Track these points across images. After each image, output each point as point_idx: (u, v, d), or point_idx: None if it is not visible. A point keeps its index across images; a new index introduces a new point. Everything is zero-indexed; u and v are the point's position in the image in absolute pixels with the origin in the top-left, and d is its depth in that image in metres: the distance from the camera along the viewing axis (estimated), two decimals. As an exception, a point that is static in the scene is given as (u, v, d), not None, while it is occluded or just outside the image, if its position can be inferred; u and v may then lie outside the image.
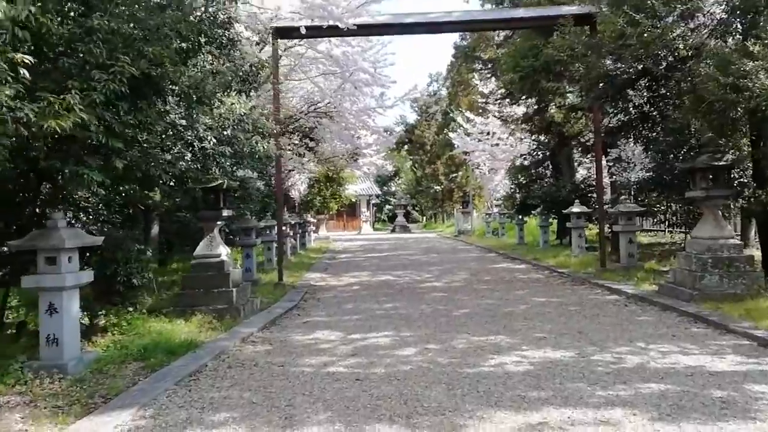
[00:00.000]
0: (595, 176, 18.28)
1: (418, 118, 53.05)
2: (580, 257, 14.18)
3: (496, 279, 11.92)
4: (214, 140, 6.32)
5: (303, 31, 11.13)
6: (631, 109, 10.18)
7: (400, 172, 61.13)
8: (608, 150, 14.53)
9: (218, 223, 8.61)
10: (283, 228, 17.74)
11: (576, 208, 14.95)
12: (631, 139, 11.02)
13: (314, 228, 27.82)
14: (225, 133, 6.69)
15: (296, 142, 19.12)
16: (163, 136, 5.65)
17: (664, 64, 8.74)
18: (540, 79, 15.60)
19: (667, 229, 18.09)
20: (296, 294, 10.49)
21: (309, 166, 24.18)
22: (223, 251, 8.55)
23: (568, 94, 17.32)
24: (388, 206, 56.79)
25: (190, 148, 6.11)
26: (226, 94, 6.40)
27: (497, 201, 36.79)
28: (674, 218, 13.32)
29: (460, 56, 26.55)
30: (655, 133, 10.18)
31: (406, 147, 54.54)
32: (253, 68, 6.57)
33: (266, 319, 8.03)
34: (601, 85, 9.83)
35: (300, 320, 8.20)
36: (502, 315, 7.85)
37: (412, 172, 55.47)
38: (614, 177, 13.62)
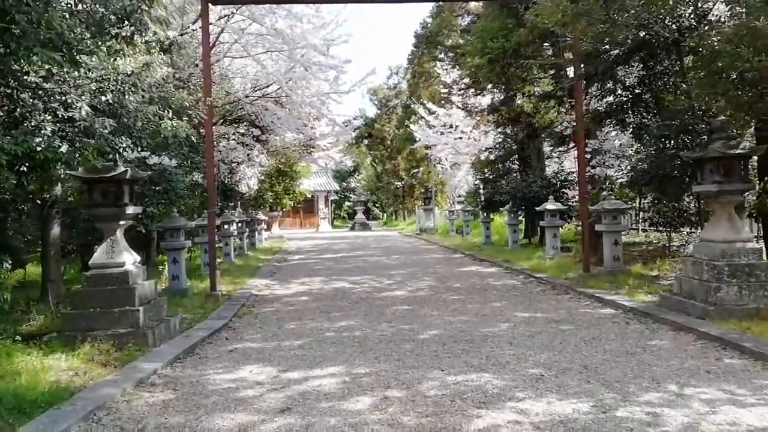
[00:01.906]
0: (569, 169, 17.22)
1: (378, 111, 51.31)
2: (555, 260, 12.83)
3: (466, 286, 10.39)
4: (88, 109, 4.50)
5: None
6: (619, 90, 8.78)
7: (360, 168, 59.38)
8: (587, 141, 13.22)
9: (121, 223, 6.75)
10: (228, 226, 15.88)
11: (550, 205, 13.61)
12: (617, 127, 9.63)
13: (266, 226, 25.83)
14: (104, 98, 4.87)
15: (242, 131, 17.24)
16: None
17: (667, 33, 7.31)
18: (510, 64, 14.22)
19: (640, 228, 17.02)
20: (230, 308, 8.70)
21: (260, 159, 22.28)
22: (129, 259, 6.71)
23: (539, 81, 15.99)
24: (347, 203, 54.93)
25: (51, 118, 4.27)
26: (99, 41, 4.57)
27: (459, 197, 35.56)
28: (657, 216, 12.02)
29: (421, 44, 25.03)
30: (647, 118, 8.80)
31: (365, 142, 52.78)
32: (139, 3, 4.76)
33: (181, 347, 6.25)
34: (588, 62, 8.42)
35: (226, 347, 6.44)
36: (481, 339, 6.28)
37: (372, 167, 53.80)
38: (594, 170, 12.30)
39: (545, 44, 13.23)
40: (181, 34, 10.76)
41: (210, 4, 9.72)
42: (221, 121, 17.43)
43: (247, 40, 13.56)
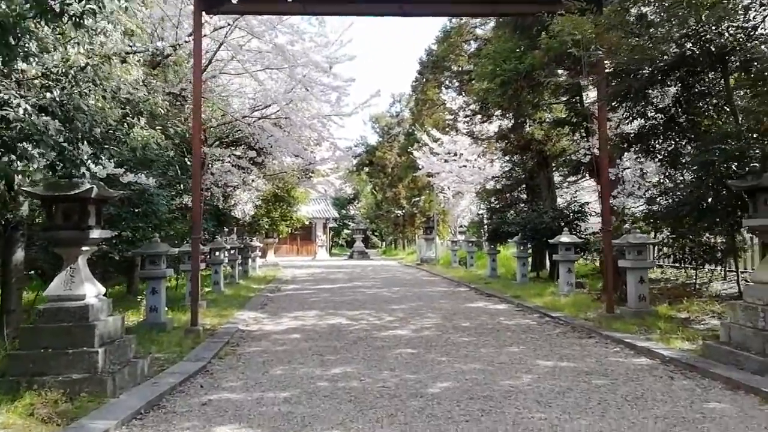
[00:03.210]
0: (583, 200, 16.34)
1: (380, 139, 50.83)
2: (571, 296, 11.84)
3: (476, 326, 9.38)
4: (27, 107, 3.61)
5: (234, 0, 8.53)
6: (650, 113, 7.92)
7: (359, 196, 58.67)
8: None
9: (84, 248, 5.80)
10: (218, 253, 14.91)
11: (565, 238, 12.67)
12: (643, 154, 8.75)
13: (260, 253, 24.82)
14: (49, 95, 3.97)
15: (238, 153, 16.41)
16: None
17: (713, 48, 6.49)
18: (523, 87, 13.46)
19: (655, 263, 16.04)
20: (212, 346, 7.68)
21: (256, 183, 21.43)
22: (90, 291, 5.75)
23: (553, 107, 15.22)
24: (346, 230, 54.00)
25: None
26: (44, 22, 3.71)
27: (461, 228, 34.69)
28: (680, 252, 11.12)
29: (426, 70, 24.43)
30: (681, 144, 7.93)
31: (366, 169, 52.14)
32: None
33: (145, 398, 5.23)
34: (616, 81, 7.59)
35: (199, 398, 5.43)
36: (502, 395, 5.27)
37: (372, 195, 52.98)
38: (613, 201, 11.39)
39: (561, 68, 12.44)
40: (174, 47, 10.00)
41: (204, 13, 8.95)
42: (216, 142, 16.66)
43: (246, 57, 12.80)
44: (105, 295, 6.11)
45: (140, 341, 7.76)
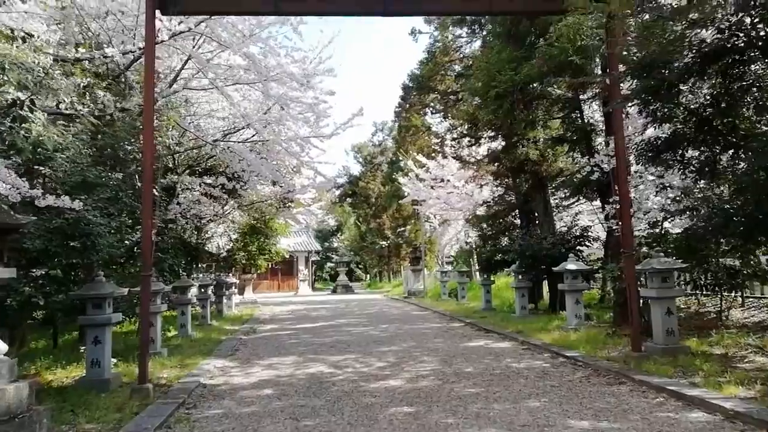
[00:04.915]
0: (584, 223, 15.17)
1: (363, 169, 49.89)
2: (582, 331, 10.54)
3: (481, 371, 7.97)
4: None
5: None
6: (680, 114, 6.80)
7: (343, 227, 57.35)
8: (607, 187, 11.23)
9: (-27, 294, 4.36)
10: (184, 293, 13.38)
11: (572, 265, 11.42)
12: (669, 163, 7.57)
13: (236, 290, 23.19)
14: None
15: (209, 181, 15.05)
16: None
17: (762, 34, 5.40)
18: (520, 101, 12.40)
19: (684, 291, 14.76)
20: (160, 411, 6.16)
21: (232, 215, 20.01)
22: (-19, 350, 4.29)
23: (548, 124, 14.16)
24: (329, 264, 52.36)
25: None
26: None
27: (448, 258, 33.45)
28: (705, 278, 9.96)
29: (411, 94, 23.44)
30: (716, 150, 6.80)
31: (349, 200, 51.05)
32: None
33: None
34: (644, 74, 6.45)
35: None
36: (539, 481, 3.88)
37: (356, 227, 51.65)
38: (613, 225, 10.24)
39: (560, 79, 11.40)
40: (124, 53, 8.73)
41: (159, 12, 7.70)
42: (187, 170, 15.30)
43: (215, 74, 11.53)
44: (18, 353, 4.67)
45: (71, 407, 6.26)
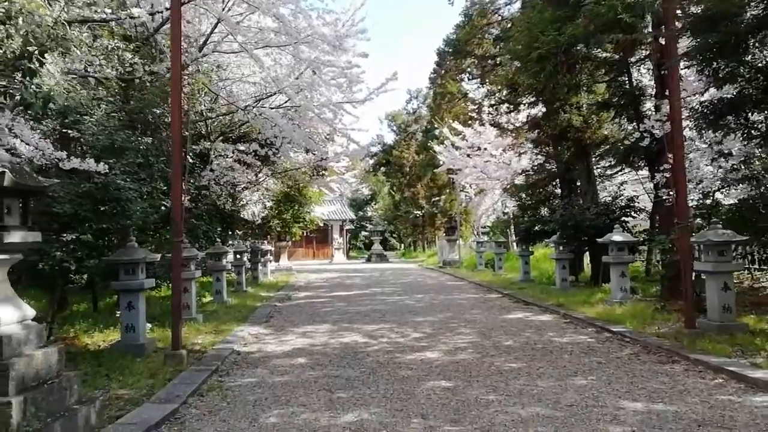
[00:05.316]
0: (629, 192, 14.50)
1: (397, 138, 49.22)
2: (627, 305, 10.06)
3: (522, 345, 7.66)
4: None
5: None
6: (746, 74, 6.19)
7: (377, 196, 57.10)
8: (658, 156, 10.57)
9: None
10: (219, 259, 13.38)
11: (618, 236, 10.88)
12: (733, 127, 6.95)
13: (272, 257, 23.29)
14: None
15: (242, 148, 14.88)
16: None
17: None
18: (563, 63, 11.73)
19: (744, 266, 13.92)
20: (193, 378, 6.07)
21: (266, 183, 19.91)
22: (9, 315, 4.18)
23: (592, 89, 13.43)
24: (364, 233, 52.35)
25: None
26: None
27: (484, 228, 32.92)
28: (762, 251, 9.34)
29: (446, 59, 22.68)
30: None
31: (383, 169, 50.58)
32: None
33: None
34: (709, 28, 5.83)
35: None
36: (593, 468, 3.57)
37: (390, 196, 51.33)
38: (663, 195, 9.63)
39: (608, 39, 10.67)
40: (152, 14, 8.48)
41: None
42: (220, 137, 15.17)
43: (245, 37, 11.21)
44: (45, 318, 4.56)
45: (107, 371, 6.23)
